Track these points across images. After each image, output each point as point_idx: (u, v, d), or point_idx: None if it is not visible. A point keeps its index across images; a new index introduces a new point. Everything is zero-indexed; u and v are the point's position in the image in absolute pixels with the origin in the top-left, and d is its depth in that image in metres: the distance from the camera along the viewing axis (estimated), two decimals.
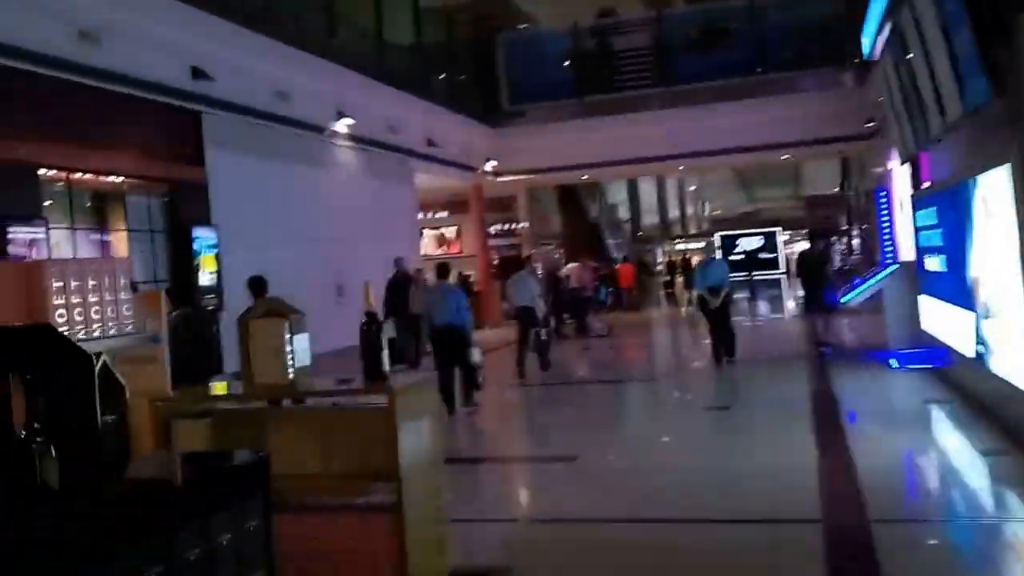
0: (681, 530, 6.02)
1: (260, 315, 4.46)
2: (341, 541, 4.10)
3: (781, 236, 52.00)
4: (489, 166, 24.09)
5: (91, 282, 3.83)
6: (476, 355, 11.13)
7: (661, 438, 9.13)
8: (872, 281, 12.20)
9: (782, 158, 25.08)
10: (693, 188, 60.47)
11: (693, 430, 9.35)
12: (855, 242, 29.10)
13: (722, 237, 53.79)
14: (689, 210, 63.58)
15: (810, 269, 13.56)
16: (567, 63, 24.56)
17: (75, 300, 3.77)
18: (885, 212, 13.33)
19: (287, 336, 4.30)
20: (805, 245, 55.00)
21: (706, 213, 61.68)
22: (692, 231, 62.94)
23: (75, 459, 2.47)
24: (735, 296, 16.20)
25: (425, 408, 4.41)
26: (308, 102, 15.86)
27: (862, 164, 26.77)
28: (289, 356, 4.29)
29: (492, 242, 27.72)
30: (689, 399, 11.25)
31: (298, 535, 4.15)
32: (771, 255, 49.47)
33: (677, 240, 58.57)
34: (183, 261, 12.40)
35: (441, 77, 23.22)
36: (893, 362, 11.67)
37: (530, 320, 14.07)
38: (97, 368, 3.15)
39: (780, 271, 49.37)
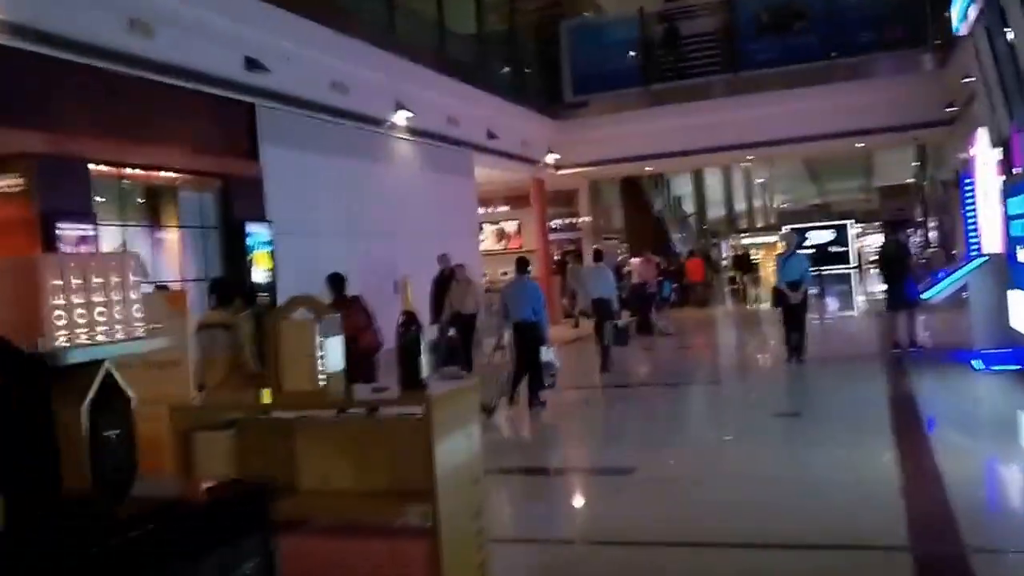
0: (750, 557, 5.44)
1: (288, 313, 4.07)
2: (370, 565, 3.69)
3: (852, 229, 50.63)
4: (551, 159, 23.59)
5: (95, 280, 3.40)
6: (549, 354, 10.94)
7: (726, 449, 8.38)
8: (957, 275, 11.40)
9: (857, 146, 24.11)
10: (760, 181, 59.11)
11: (761, 440, 8.56)
12: (931, 234, 28.00)
13: (791, 230, 52.52)
14: (756, 203, 62.23)
15: (891, 262, 12.76)
16: (632, 51, 23.90)
17: (77, 300, 3.34)
18: (971, 200, 12.48)
19: (318, 339, 3.88)
20: (881, 237, 53.99)
21: (775, 205, 59.99)
22: (759, 224, 61.71)
23: (26, 492, 2.08)
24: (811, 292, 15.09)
25: (465, 418, 3.95)
26: (366, 94, 15.57)
27: (940, 152, 25.67)
28: (320, 361, 3.88)
29: (553, 237, 27.24)
30: (757, 404, 10.48)
31: (323, 556, 3.77)
32: (842, 248, 47.87)
33: (744, 234, 57.40)
34: (236, 258, 12.17)
35: (503, 68, 22.77)
36: (977, 363, 10.90)
37: (607, 312, 14.08)
38: (99, 378, 2.79)
39: (851, 265, 48.00)
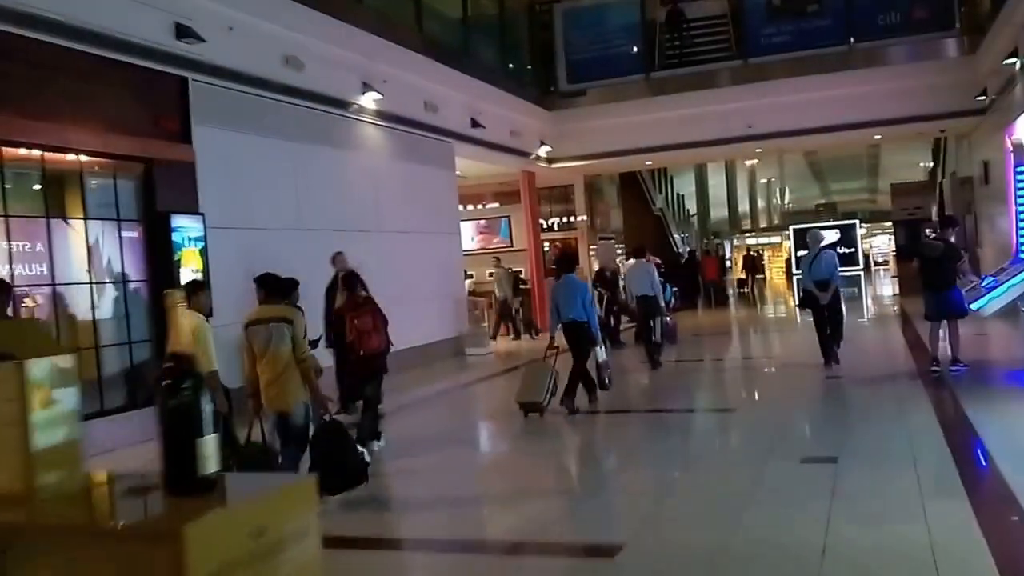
0: None
1: None
2: None
3: (860, 229, 48.86)
4: (543, 151, 21.70)
5: None
6: (603, 353, 10.82)
7: (742, 515, 5.96)
8: (1016, 281, 9.49)
9: (875, 139, 22.22)
10: (764, 181, 57.45)
11: (789, 500, 6.27)
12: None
13: (796, 231, 50.88)
14: (760, 203, 60.62)
15: (935, 265, 10.85)
16: (633, 36, 21.98)
17: None
18: (1022, 193, 10.58)
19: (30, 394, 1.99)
20: (886, 239, 52.22)
21: (784, 204, 58.29)
22: (763, 225, 60.15)
23: None
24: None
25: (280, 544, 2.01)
26: (326, 72, 13.71)
27: (962, 146, 23.76)
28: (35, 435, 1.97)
29: (546, 236, 25.33)
30: (781, 443, 8.10)
31: None
32: (849, 250, 46.10)
33: (747, 234, 55.81)
34: (160, 256, 10.28)
35: (491, 51, 20.84)
36: None
37: (653, 309, 13.81)
38: None
39: (859, 267, 46.18)
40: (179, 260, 10.37)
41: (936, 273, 10.96)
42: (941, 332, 11.06)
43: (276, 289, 7.02)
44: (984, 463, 7.04)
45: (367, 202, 14.80)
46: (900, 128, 20.66)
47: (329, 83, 13.84)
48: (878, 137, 22.09)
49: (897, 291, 26.62)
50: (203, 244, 10.67)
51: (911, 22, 19.56)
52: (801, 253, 48.44)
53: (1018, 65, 14.93)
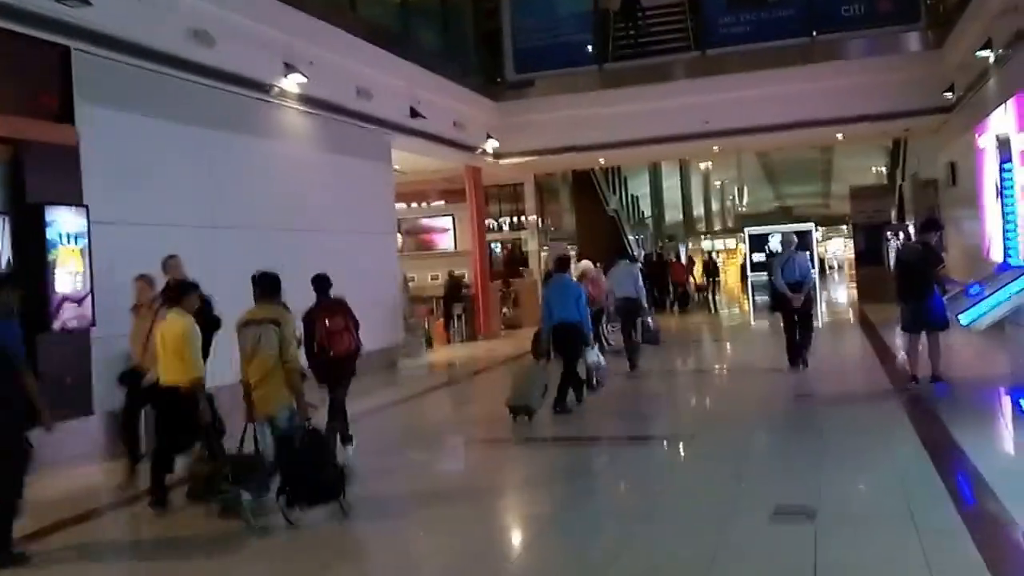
0: None
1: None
2: None
3: (815, 233, 48.15)
4: (489, 146, 20.41)
5: None
6: (593, 355, 10.66)
7: None
8: (1011, 290, 8.37)
9: (837, 137, 21.22)
10: (719, 183, 56.90)
11: None
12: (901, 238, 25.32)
13: (751, 235, 50.15)
14: (715, 206, 60.14)
15: (913, 272, 9.75)
16: (585, 24, 20.76)
17: None
18: (1010, 191, 9.49)
19: None
20: (842, 243, 51.58)
21: (738, 207, 57.77)
22: (717, 228, 59.68)
23: None
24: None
25: None
26: (242, 50, 12.30)
27: (925, 146, 22.93)
28: None
29: (495, 236, 24.10)
30: (747, 490, 6.68)
31: None
32: (805, 253, 45.25)
33: (703, 237, 55.19)
34: (30, 254, 8.81)
35: (432, 35, 19.51)
36: None
37: (635, 311, 13.51)
38: None
39: (815, 272, 45.44)
40: (54, 260, 8.90)
41: (914, 280, 9.86)
42: (919, 345, 9.98)
43: (271, 289, 6.83)
44: (990, 509, 5.86)
45: (290, 197, 13.40)
46: (863, 127, 19.68)
47: (246, 62, 12.42)
48: (840, 136, 21.13)
49: (856, 297, 25.67)
50: (85, 242, 9.20)
51: (876, 14, 18.58)
52: (757, 257, 48.02)
53: (991, 58, 13.97)
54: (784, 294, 11.89)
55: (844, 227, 54.00)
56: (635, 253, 32.20)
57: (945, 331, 9.84)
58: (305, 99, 13.79)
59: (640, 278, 13.79)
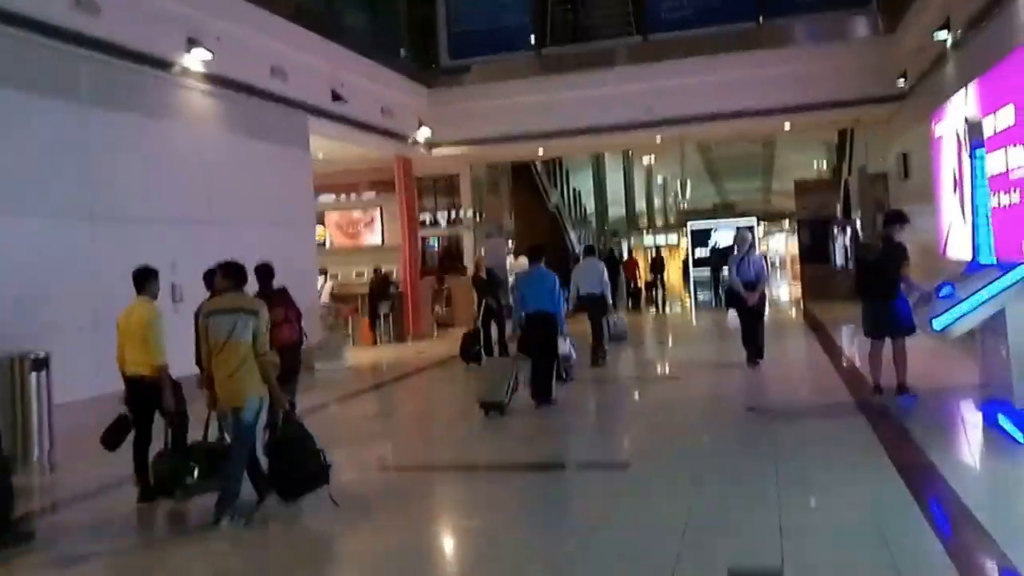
0: None
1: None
2: None
3: (758, 229, 47.77)
4: (421, 135, 19.20)
5: None
6: (566, 345, 10.76)
7: None
8: (990, 292, 7.40)
9: (785, 126, 20.41)
10: (661, 179, 56.39)
11: None
12: (848, 234, 24.69)
13: (693, 230, 49.68)
14: (657, 201, 59.69)
15: (876, 270, 8.80)
16: (523, 6, 19.65)
17: None
18: (981, 180, 8.56)
19: None
20: (784, 238, 51.37)
21: (681, 203, 57.36)
22: (659, 224, 59.26)
23: None
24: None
25: None
26: (135, 20, 11.01)
27: (873, 138, 22.23)
28: None
29: (430, 232, 22.88)
30: (691, 544, 5.19)
31: None
32: None
33: (645, 233, 54.64)
34: None
35: (360, 15, 18.24)
36: (1020, 435, 6.99)
37: (600, 308, 13.03)
38: None
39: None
40: None
41: (876, 280, 8.90)
42: (883, 352, 9.04)
43: (239, 278, 6.56)
44: (987, 563, 4.87)
45: (192, 185, 12.10)
46: (812, 115, 18.84)
47: (139, 34, 11.12)
48: (788, 126, 20.31)
49: (802, 296, 24.91)
50: None
51: None
52: (700, 252, 47.50)
53: (949, 40, 13.15)
54: (739, 292, 11.88)
55: (786, 222, 53.93)
56: (578, 250, 31.32)
57: (911, 336, 8.94)
58: (211, 78, 12.50)
59: (606, 274, 13.47)
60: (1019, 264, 7.42)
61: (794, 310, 22.34)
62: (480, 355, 13.44)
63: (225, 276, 6.58)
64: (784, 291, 31.86)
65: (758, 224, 49.11)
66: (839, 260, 23.77)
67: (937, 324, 7.57)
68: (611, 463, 7.70)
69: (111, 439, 6.77)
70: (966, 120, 8.87)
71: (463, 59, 20.07)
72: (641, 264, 31.07)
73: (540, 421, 9.57)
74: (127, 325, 6.80)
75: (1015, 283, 7.32)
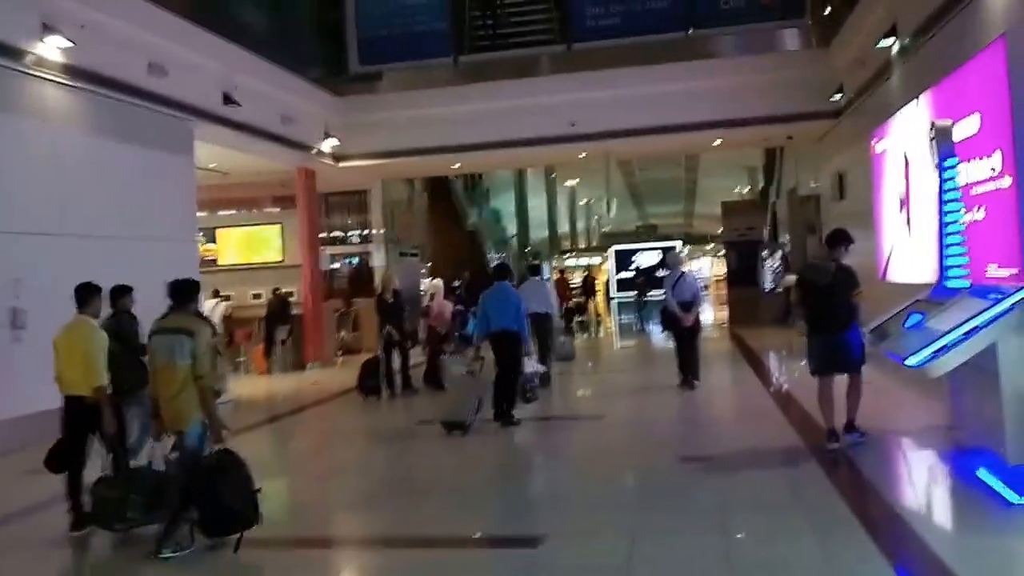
0: None
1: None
2: None
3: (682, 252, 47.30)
4: (327, 145, 17.68)
5: None
6: (531, 364, 10.58)
7: None
8: (978, 324, 6.19)
9: (715, 143, 19.44)
10: (585, 202, 55.80)
11: None
12: (777, 258, 23.88)
13: (616, 252, 49.07)
14: (580, 224, 59.20)
15: (823, 298, 7.65)
16: (438, 9, 18.32)
17: None
18: (952, 194, 7.44)
19: None
20: (710, 261, 51.11)
21: (603, 225, 56.92)
22: (582, 246, 58.77)
23: None
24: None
25: None
26: None
27: (804, 159, 21.47)
28: None
29: (338, 250, 21.33)
30: None
31: None
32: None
33: (567, 255, 53.95)
34: None
35: (257, 11, 16.66)
36: (1010, 494, 5.84)
37: (546, 329, 12.70)
38: None
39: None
40: None
41: (827, 309, 7.74)
42: (833, 391, 7.87)
43: (185, 297, 6.38)
44: None
45: (42, 192, 10.39)
46: (744, 131, 17.85)
47: None
48: (719, 142, 19.35)
49: (728, 320, 23.98)
50: None
51: (757, 9, 16.79)
52: (622, 275, 46.73)
53: (896, 48, 12.22)
54: (675, 313, 11.88)
55: (709, 246, 53.73)
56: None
57: (857, 368, 7.79)
58: (72, 70, 10.83)
59: (552, 294, 13.37)
60: (1014, 290, 6.25)
61: (721, 335, 21.19)
62: (379, 388, 12.01)
63: (169, 294, 6.39)
64: (709, 314, 30.95)
65: (682, 246, 48.83)
66: (767, 284, 22.93)
67: (913, 361, 6.35)
68: (521, 536, 6.19)
69: (55, 462, 6.50)
70: (933, 127, 7.73)
71: (374, 65, 18.63)
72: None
73: (454, 476, 8.11)
74: (66, 344, 6.60)
75: (1007, 312, 6.14)
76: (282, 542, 6.24)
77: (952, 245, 7.63)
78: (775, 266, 23.00)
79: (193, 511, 5.83)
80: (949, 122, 7.88)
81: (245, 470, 5.92)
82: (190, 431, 6.01)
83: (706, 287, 49.95)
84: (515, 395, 10.04)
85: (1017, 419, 6.05)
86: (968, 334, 6.15)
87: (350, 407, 12.38)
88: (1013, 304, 6.14)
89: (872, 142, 13.40)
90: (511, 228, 42.96)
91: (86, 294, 6.78)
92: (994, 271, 8.24)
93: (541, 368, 11.29)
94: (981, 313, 6.13)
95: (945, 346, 6.15)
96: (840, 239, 8.25)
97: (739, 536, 5.72)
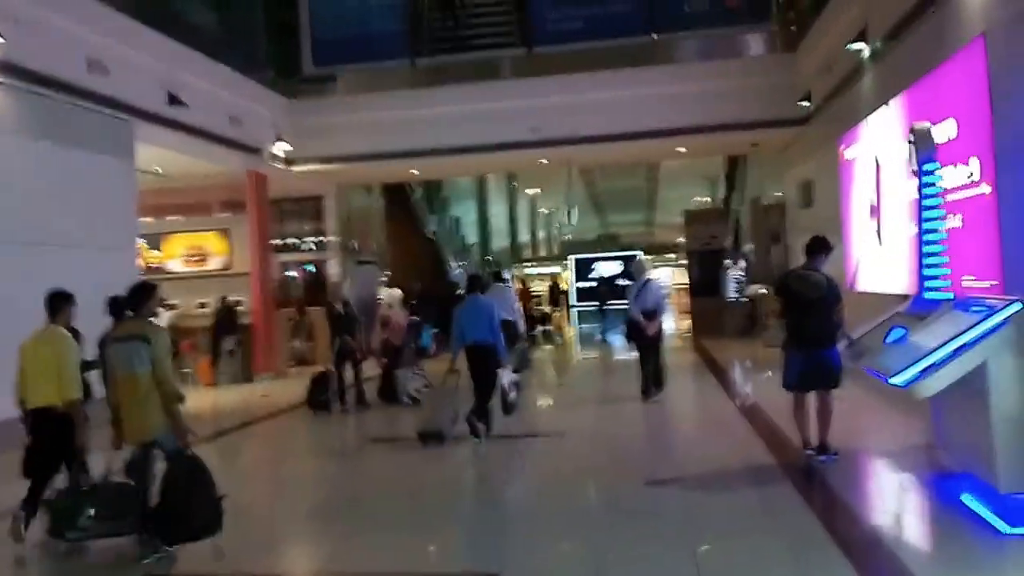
0: None
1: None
2: None
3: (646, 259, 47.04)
4: (279, 149, 17.07)
5: None
6: (506, 377, 10.43)
7: None
8: (967, 340, 5.78)
9: (679, 150, 19.09)
10: (546, 211, 55.52)
11: None
12: (740, 268, 23.62)
13: (577, 260, 48.76)
14: (541, 233, 58.90)
15: (808, 312, 7.26)
16: (396, 10, 17.81)
17: None
18: (933, 201, 7.05)
19: None
20: (670, 271, 51.00)
21: (567, 232, 56.68)
22: (543, 254, 58.46)
23: None
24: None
25: None
26: None
27: (768, 167, 21.20)
28: None
29: (285, 258, 20.66)
30: None
31: None
32: (631, 282, 43.96)
33: (528, 264, 53.56)
34: None
35: (205, 9, 16.04)
36: (1001, 524, 5.45)
37: (512, 336, 12.30)
38: None
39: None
40: None
41: (812, 322, 7.34)
42: (810, 406, 7.47)
43: (137, 303, 6.14)
44: None
45: None
46: (709, 138, 17.50)
47: None
48: (683, 149, 19.00)
49: (692, 330, 23.60)
50: None
51: (722, 13, 16.49)
52: (581, 284, 46.37)
53: (867, 52, 11.90)
54: (638, 322, 11.62)
55: (671, 255, 53.55)
56: (455, 279, 29.51)
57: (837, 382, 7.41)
58: (4, 67, 10.16)
59: (515, 301, 13.27)
60: (1004, 304, 5.84)
61: (684, 345, 20.79)
62: (329, 404, 11.43)
63: (124, 299, 6.28)
64: (670, 323, 30.60)
65: (643, 256, 48.68)
66: (731, 293, 22.61)
67: (899, 380, 5.93)
68: (476, 574, 5.67)
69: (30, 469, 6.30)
70: (912, 130, 7.35)
71: (329, 67, 18.08)
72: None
73: (405, 501, 7.56)
74: (36, 354, 6.33)
75: (999, 327, 5.73)
76: None
77: (932, 255, 7.25)
78: (738, 275, 22.71)
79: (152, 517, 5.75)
80: (928, 125, 7.50)
81: (210, 476, 5.81)
82: (164, 439, 5.90)
83: (668, 296, 49.88)
84: (483, 410, 9.68)
85: (1008, 444, 5.63)
86: (957, 351, 5.73)
87: (300, 422, 11.76)
88: (1005, 319, 5.72)
89: (841, 148, 13.10)
90: (472, 236, 42.48)
91: (59, 303, 6.53)
92: (970, 282, 7.89)
93: (516, 377, 11.11)
94: (970, 329, 5.71)
95: (934, 364, 5.72)
96: (820, 247, 7.88)
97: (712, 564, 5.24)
